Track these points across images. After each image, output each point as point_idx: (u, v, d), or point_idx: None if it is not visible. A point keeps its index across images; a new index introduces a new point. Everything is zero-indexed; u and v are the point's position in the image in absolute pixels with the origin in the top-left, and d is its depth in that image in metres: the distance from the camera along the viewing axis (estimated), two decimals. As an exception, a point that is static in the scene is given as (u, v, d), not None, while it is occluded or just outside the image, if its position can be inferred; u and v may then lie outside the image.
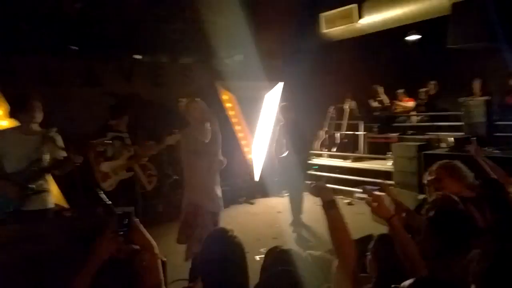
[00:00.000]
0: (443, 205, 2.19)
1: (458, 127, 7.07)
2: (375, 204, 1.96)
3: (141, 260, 1.73)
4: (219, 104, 7.73)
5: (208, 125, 3.76)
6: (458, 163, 2.80)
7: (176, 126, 5.88)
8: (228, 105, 7.85)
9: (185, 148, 3.82)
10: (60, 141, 3.49)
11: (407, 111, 8.77)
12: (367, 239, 2.61)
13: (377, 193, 2.02)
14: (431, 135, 7.09)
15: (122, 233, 1.67)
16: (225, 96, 7.83)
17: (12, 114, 3.37)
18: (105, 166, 4.72)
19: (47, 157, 3.36)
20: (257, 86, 8.38)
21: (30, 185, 3.22)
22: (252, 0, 7.52)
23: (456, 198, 2.37)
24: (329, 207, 1.80)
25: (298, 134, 5.96)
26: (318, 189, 1.87)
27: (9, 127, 3.46)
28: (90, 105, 6.26)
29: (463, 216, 2.05)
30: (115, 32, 6.64)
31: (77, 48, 6.12)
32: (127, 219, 1.69)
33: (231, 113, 7.85)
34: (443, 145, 6.43)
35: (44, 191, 3.35)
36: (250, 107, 8.13)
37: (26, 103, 3.31)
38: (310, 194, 1.93)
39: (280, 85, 8.62)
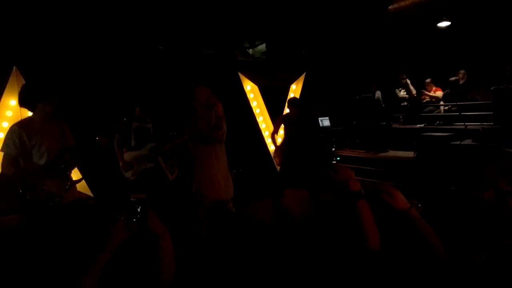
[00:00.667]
0: (466, 197, 2.12)
1: (488, 117, 6.83)
2: (390, 197, 1.91)
3: (156, 246, 1.75)
4: (242, 95, 7.74)
5: (213, 111, 3.67)
6: (506, 153, 2.68)
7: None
8: (251, 95, 7.83)
9: (192, 136, 3.73)
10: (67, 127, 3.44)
11: (434, 101, 8.53)
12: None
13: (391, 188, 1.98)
14: (459, 125, 6.86)
15: (135, 220, 1.68)
16: (248, 87, 7.82)
17: (31, 103, 3.15)
18: (128, 156, 4.81)
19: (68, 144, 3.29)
20: (281, 76, 8.33)
21: (68, 177, 3.21)
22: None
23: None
24: (357, 197, 1.78)
25: (305, 126, 5.94)
26: (346, 178, 1.86)
27: (29, 116, 3.27)
28: (114, 95, 6.36)
29: (485, 208, 1.98)
30: (138, 23, 6.73)
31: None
32: (140, 206, 1.69)
33: (254, 103, 7.83)
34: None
35: (79, 180, 3.35)
36: (273, 98, 8.08)
37: (50, 92, 3.17)
38: (337, 181, 1.90)
39: (303, 75, 8.55)
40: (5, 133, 3.07)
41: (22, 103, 3.14)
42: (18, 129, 3.04)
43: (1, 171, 3.04)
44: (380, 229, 1.84)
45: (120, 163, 4.83)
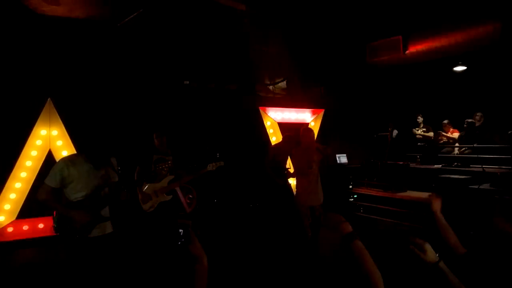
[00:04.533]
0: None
1: (506, 161, 6.79)
2: (420, 250, 1.95)
3: (193, 269, 1.86)
4: (263, 130, 7.91)
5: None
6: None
7: (219, 151, 6.11)
8: (270, 131, 8.00)
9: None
10: (115, 163, 3.57)
11: (451, 142, 8.53)
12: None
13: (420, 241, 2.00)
14: (477, 167, 6.83)
15: (180, 243, 1.85)
16: (268, 122, 8.01)
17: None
18: (147, 188, 4.95)
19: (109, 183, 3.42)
20: (300, 112, 8.51)
21: (100, 213, 3.32)
22: (296, 29, 7.72)
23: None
24: (351, 238, 1.76)
25: None
26: (334, 223, 1.83)
27: (76, 154, 3.51)
28: (138, 128, 6.60)
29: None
30: (165, 59, 7.06)
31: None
32: (184, 231, 1.86)
33: (273, 138, 7.99)
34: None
35: (108, 218, 3.44)
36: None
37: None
38: (328, 227, 1.87)
39: (322, 112, 8.71)
40: (53, 166, 3.27)
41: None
42: (62, 166, 3.22)
43: (36, 196, 3.22)
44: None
45: (139, 195, 4.97)
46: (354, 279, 1.75)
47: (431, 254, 1.92)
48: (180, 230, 1.84)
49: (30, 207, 5.42)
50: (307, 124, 8.55)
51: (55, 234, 3.23)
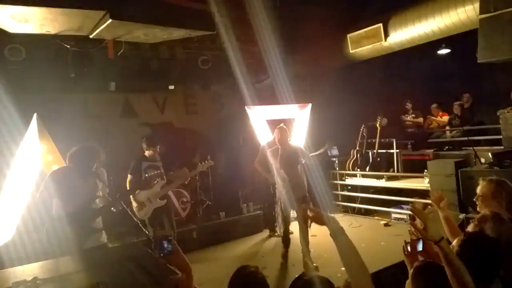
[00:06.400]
0: (472, 233, 2.16)
1: (497, 141, 6.82)
2: (421, 226, 1.88)
3: (178, 280, 1.83)
4: (250, 128, 7.86)
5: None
6: (505, 182, 2.71)
7: (208, 152, 6.08)
8: (257, 128, 7.94)
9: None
10: (103, 175, 3.58)
11: (441, 126, 8.55)
12: (403, 264, 2.48)
13: (424, 212, 1.93)
14: (468, 150, 6.85)
15: (162, 255, 1.82)
16: (255, 120, 7.94)
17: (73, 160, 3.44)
18: (140, 195, 4.90)
19: (99, 194, 3.46)
20: (286, 108, 8.46)
21: (91, 225, 3.32)
22: (280, 25, 7.68)
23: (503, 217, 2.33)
24: (338, 234, 1.74)
25: None
26: (323, 218, 1.80)
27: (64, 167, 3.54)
28: (127, 136, 6.54)
29: (489, 243, 1.98)
30: (150, 66, 6.96)
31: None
32: (166, 242, 1.83)
33: (261, 136, 7.93)
34: (482, 160, 6.19)
35: (101, 229, 3.45)
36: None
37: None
38: (315, 223, 1.85)
39: (309, 107, 8.66)
40: (43, 182, 3.32)
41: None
42: (49, 179, 3.27)
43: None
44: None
45: (134, 203, 4.92)
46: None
47: (433, 231, 1.83)
48: (164, 242, 1.81)
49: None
50: (293, 119, 8.50)
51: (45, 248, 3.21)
